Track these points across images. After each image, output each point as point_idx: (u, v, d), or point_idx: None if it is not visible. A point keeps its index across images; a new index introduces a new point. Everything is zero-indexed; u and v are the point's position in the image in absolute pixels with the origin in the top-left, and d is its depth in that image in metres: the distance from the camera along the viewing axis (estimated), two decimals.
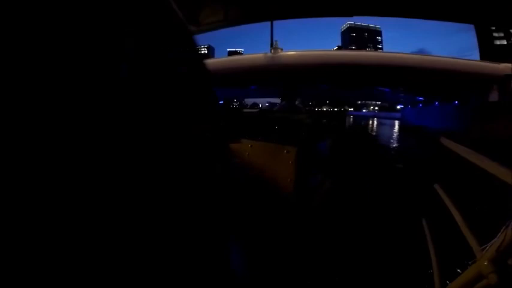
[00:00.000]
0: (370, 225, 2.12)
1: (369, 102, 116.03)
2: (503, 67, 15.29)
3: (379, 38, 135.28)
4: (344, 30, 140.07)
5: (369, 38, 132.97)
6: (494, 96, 16.26)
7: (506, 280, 0.78)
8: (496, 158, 0.97)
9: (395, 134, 18.57)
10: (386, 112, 69.92)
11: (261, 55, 11.25)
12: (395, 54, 13.29)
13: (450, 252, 1.25)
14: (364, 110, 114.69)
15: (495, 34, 56.52)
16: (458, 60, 15.75)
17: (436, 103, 23.77)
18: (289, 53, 11.63)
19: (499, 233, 0.82)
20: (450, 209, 1.22)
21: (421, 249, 1.51)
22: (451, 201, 1.29)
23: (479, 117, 15.93)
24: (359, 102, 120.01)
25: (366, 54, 13.20)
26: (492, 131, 13.54)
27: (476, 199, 2.00)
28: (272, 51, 10.26)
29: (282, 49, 10.15)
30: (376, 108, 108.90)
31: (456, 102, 20.55)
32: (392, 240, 1.89)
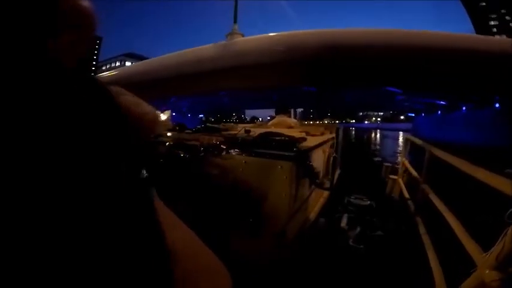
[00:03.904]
0: (367, 235, 2.14)
1: (371, 113, 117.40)
2: None
3: None
4: None
5: None
6: None
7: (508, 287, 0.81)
8: (492, 169, 1.03)
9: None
10: (390, 123, 70.30)
11: (210, 46, 8.02)
12: (411, 31, 7.89)
13: (450, 260, 1.27)
14: (366, 122, 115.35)
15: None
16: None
17: (464, 108, 17.69)
18: (249, 37, 7.60)
19: (498, 241, 0.86)
20: (448, 219, 1.26)
21: (421, 259, 1.54)
22: (449, 211, 1.34)
23: None
24: (360, 113, 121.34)
25: (366, 32, 7.63)
26: None
27: (473, 209, 2.03)
28: (228, 37, 7.35)
29: (243, 35, 7.27)
30: (379, 119, 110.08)
31: (497, 105, 14.59)
32: (392, 251, 1.91)
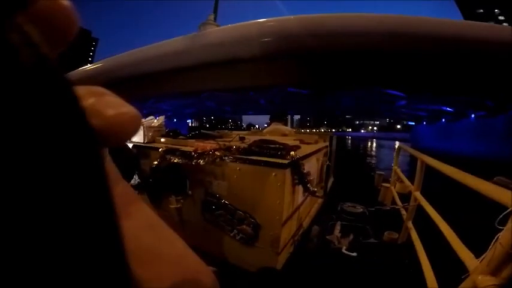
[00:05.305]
0: (360, 242, 2.16)
1: (367, 122, 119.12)
2: None
3: None
4: None
5: None
6: None
7: None
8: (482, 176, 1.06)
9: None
10: (386, 132, 71.04)
11: (178, 38, 6.95)
12: (418, 17, 5.60)
13: (443, 267, 1.28)
14: (362, 131, 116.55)
15: None
16: None
17: (472, 116, 15.89)
18: (222, 27, 6.52)
19: (490, 247, 0.88)
20: (440, 226, 1.28)
21: (414, 266, 1.55)
22: (441, 218, 1.36)
23: None
24: (357, 122, 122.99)
25: (365, 17, 5.70)
26: None
27: (464, 216, 2.06)
28: (201, 28, 6.44)
29: (218, 26, 6.62)
30: (375, 128, 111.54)
31: None
32: (385, 259, 1.93)
